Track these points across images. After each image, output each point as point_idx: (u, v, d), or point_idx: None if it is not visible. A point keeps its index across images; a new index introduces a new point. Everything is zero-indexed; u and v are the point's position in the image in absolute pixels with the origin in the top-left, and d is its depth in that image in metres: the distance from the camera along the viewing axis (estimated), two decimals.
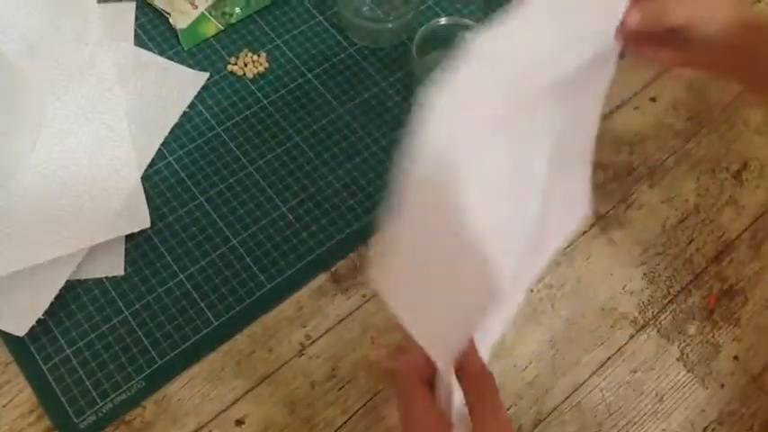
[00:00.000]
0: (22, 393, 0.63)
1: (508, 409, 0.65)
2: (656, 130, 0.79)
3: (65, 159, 0.73)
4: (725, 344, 0.69)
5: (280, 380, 0.65)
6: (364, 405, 0.64)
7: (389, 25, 0.80)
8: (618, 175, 0.76)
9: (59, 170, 0.72)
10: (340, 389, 0.65)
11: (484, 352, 0.50)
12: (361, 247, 0.71)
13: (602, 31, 0.49)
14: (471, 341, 0.49)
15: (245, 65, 0.80)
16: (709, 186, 0.76)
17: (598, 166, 0.76)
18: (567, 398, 0.66)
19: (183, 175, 0.74)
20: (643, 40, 0.51)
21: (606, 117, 0.80)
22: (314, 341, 0.67)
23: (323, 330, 0.67)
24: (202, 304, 0.67)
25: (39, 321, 0.65)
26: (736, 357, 0.68)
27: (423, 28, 0.78)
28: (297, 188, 0.73)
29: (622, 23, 0.49)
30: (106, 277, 0.68)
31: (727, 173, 0.77)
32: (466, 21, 0.80)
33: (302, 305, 0.68)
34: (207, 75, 0.79)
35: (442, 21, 0.79)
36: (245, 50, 0.81)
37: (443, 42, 0.81)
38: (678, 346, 0.68)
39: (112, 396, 0.63)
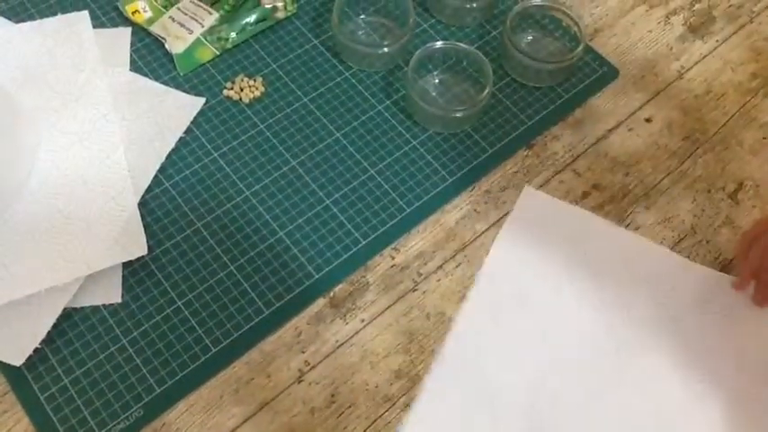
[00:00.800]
0: (19, 423, 0.63)
1: None
2: (651, 151, 0.80)
3: (60, 186, 0.73)
4: None
5: (279, 407, 0.65)
6: (365, 431, 0.64)
7: (385, 49, 0.80)
8: (614, 197, 0.77)
9: (55, 198, 0.72)
10: (340, 415, 0.64)
11: None
12: (360, 272, 0.71)
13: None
14: None
15: (242, 89, 0.80)
16: (706, 207, 0.77)
17: (593, 187, 0.77)
18: None
19: (179, 200, 0.74)
20: None
21: (601, 138, 0.80)
22: (313, 367, 0.66)
23: (322, 356, 0.67)
24: (200, 331, 0.67)
25: (36, 350, 0.64)
26: None
27: (418, 51, 0.78)
28: (294, 213, 0.73)
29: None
30: (103, 305, 0.68)
31: (723, 193, 0.77)
32: (461, 44, 0.80)
33: (300, 331, 0.68)
34: (203, 100, 0.79)
35: (438, 44, 0.80)
36: (242, 75, 0.81)
37: (439, 65, 0.81)
38: None
39: (111, 425, 0.63)
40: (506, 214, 0.74)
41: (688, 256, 0.73)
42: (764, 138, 0.81)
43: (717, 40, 0.88)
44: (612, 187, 0.77)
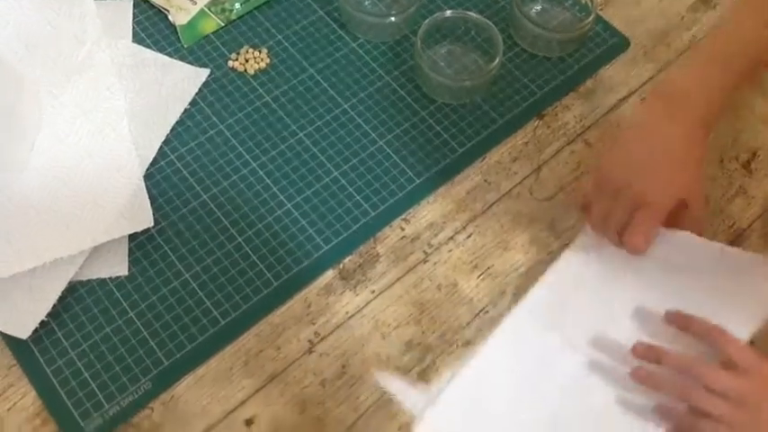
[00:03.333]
0: (26, 397, 0.62)
1: None
2: None
3: (65, 159, 0.72)
4: None
5: (289, 379, 0.64)
6: (376, 402, 0.63)
7: (392, 19, 0.79)
8: None
9: (59, 170, 0.71)
10: (351, 386, 0.64)
11: None
12: (369, 243, 0.70)
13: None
14: None
15: (247, 61, 0.78)
16: (719, 177, 0.75)
17: None
18: None
19: (185, 173, 0.72)
20: None
21: (612, 108, 0.79)
22: (323, 338, 0.66)
23: (332, 327, 0.66)
24: (208, 303, 0.66)
25: (42, 324, 0.63)
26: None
27: (427, 21, 0.77)
28: (302, 184, 0.72)
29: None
30: (110, 278, 0.67)
31: (736, 163, 0.76)
32: (471, 13, 0.79)
33: (310, 302, 0.67)
34: (208, 71, 0.78)
35: (447, 13, 0.78)
36: (246, 47, 0.79)
37: (449, 35, 0.80)
38: None
39: (119, 398, 0.62)
40: (518, 184, 0.73)
41: None
42: None
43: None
44: None
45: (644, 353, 0.61)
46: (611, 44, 0.83)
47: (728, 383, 0.57)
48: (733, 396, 0.56)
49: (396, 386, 0.64)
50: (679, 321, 0.62)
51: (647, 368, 0.61)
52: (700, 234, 0.66)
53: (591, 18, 0.79)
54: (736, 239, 0.72)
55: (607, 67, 0.82)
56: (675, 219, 0.65)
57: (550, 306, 0.66)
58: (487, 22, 0.78)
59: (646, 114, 0.68)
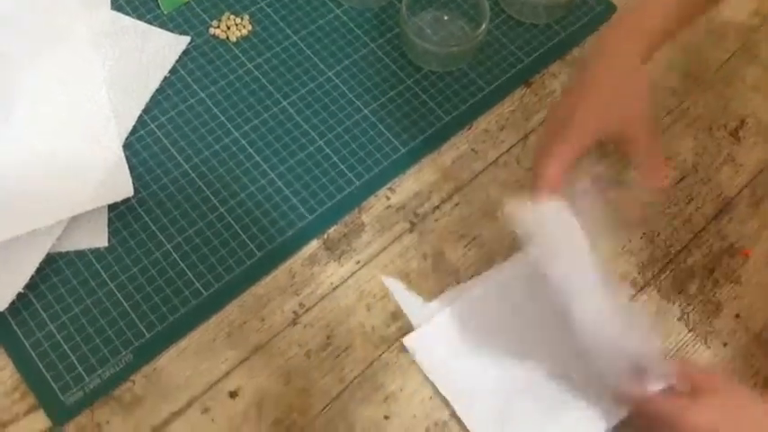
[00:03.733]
0: (4, 371, 0.61)
1: None
2: (651, 90, 0.77)
3: (41, 130, 0.70)
4: (726, 302, 0.67)
5: (273, 350, 0.63)
6: (362, 373, 0.62)
7: None
8: None
9: (36, 140, 0.69)
10: (336, 357, 0.63)
11: None
12: (354, 213, 0.69)
13: None
14: None
15: (228, 28, 0.77)
16: (707, 145, 0.75)
17: None
18: None
19: (166, 142, 0.71)
20: None
21: None
22: (308, 309, 0.65)
23: (317, 298, 0.65)
24: (190, 274, 0.65)
25: (19, 296, 0.62)
26: (737, 315, 0.67)
27: None
28: (285, 154, 0.71)
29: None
30: (89, 249, 0.65)
31: (724, 131, 0.76)
32: None
33: (294, 273, 0.66)
34: (188, 38, 0.76)
35: None
36: (228, 13, 0.77)
37: (435, 1, 0.78)
38: (679, 306, 0.67)
39: (100, 371, 0.61)
40: (505, 153, 0.72)
41: (690, 194, 0.72)
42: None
43: None
44: None
45: (623, 397, 0.59)
46: (599, 11, 0.81)
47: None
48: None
49: (400, 294, 0.65)
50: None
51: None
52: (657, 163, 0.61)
53: None
54: (724, 207, 0.71)
55: (595, 34, 0.80)
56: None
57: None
58: None
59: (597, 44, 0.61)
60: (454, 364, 0.63)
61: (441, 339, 0.63)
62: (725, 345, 0.65)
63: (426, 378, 0.62)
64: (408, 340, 0.63)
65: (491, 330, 0.64)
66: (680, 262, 0.69)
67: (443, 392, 0.61)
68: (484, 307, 0.65)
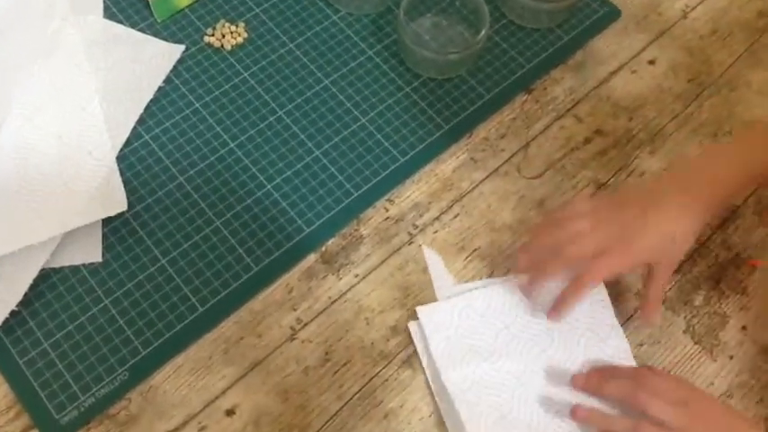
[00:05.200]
0: None
1: None
2: (655, 95, 0.76)
3: (33, 142, 0.69)
4: (732, 314, 0.66)
5: (271, 367, 0.62)
6: (360, 390, 0.61)
7: None
8: (617, 142, 0.73)
9: (28, 152, 0.68)
10: (334, 373, 0.62)
11: None
12: (352, 225, 0.68)
13: None
14: None
15: (223, 36, 0.75)
16: None
17: (596, 133, 0.74)
18: None
19: (160, 154, 0.70)
20: None
21: (603, 82, 0.77)
22: (305, 325, 0.63)
23: (314, 313, 0.64)
24: (186, 290, 0.64)
25: (13, 313, 0.61)
26: (744, 327, 0.65)
27: None
28: (282, 165, 0.70)
29: None
30: (83, 264, 0.64)
31: (730, 137, 0.74)
32: None
33: (292, 287, 0.65)
34: (182, 47, 0.74)
35: None
36: (223, 21, 0.76)
37: (433, 7, 0.77)
38: (684, 318, 0.66)
39: (95, 389, 0.60)
40: (505, 162, 0.71)
41: None
42: None
43: None
44: (615, 132, 0.74)
45: (584, 384, 0.60)
46: (602, 14, 0.80)
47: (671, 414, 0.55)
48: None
49: (435, 267, 0.66)
50: (590, 385, 0.60)
51: (586, 404, 0.58)
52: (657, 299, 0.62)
53: None
54: (730, 216, 0.70)
55: (597, 38, 0.79)
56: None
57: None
58: None
59: (653, 183, 0.65)
60: (456, 347, 0.62)
61: (452, 320, 0.63)
62: (731, 357, 0.64)
63: (426, 394, 0.61)
64: (422, 309, 0.63)
65: (498, 330, 0.63)
66: (685, 273, 0.68)
67: (442, 378, 0.60)
68: (501, 305, 0.64)
